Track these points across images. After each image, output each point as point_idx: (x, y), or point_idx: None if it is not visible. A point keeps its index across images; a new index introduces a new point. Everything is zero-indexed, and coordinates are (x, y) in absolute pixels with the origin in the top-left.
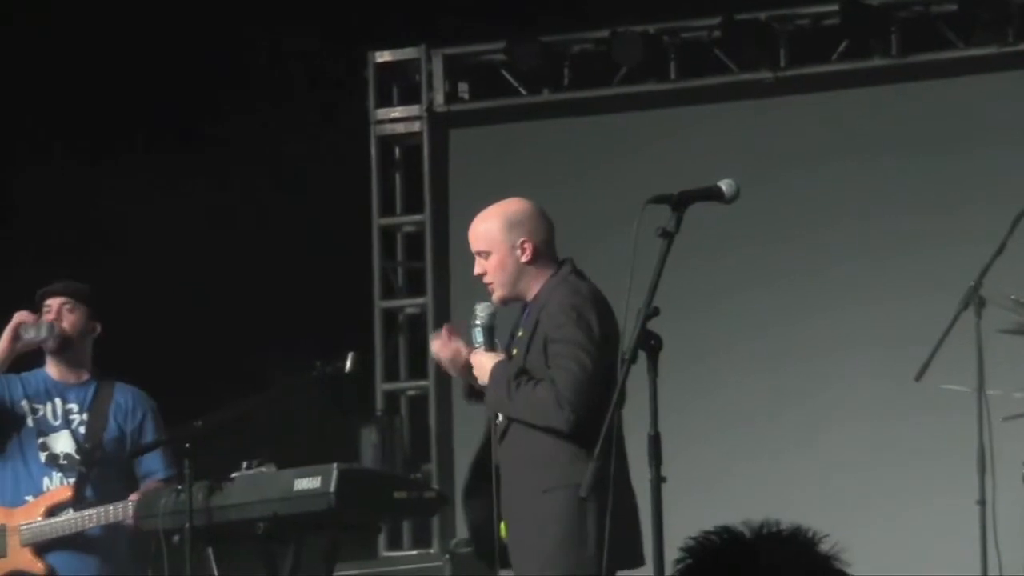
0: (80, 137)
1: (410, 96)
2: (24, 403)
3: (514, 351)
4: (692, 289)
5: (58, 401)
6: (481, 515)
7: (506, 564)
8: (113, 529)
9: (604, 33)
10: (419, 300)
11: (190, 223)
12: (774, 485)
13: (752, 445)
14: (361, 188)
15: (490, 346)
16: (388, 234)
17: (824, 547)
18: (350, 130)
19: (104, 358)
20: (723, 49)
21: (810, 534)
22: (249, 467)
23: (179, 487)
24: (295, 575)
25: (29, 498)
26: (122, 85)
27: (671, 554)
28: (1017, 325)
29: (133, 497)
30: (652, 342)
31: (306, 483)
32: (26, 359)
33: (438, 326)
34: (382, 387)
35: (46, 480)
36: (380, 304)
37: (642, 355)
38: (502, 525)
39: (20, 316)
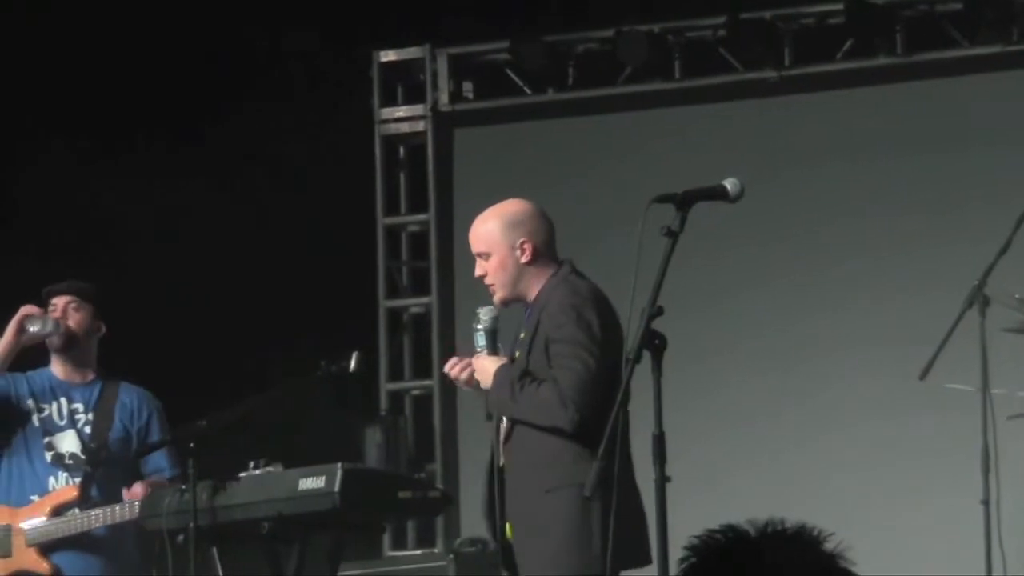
0: (80, 136)
1: (414, 95)
2: (30, 401)
3: (516, 353)
4: (693, 289)
5: (63, 401)
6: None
7: (512, 566)
8: (119, 529)
9: (608, 32)
10: (424, 299)
11: (193, 223)
12: (777, 484)
13: (755, 444)
14: (363, 187)
15: (492, 350)
16: (392, 233)
17: (829, 545)
18: (352, 129)
19: (105, 358)
20: (728, 48)
21: (815, 532)
22: (257, 467)
23: (183, 487)
24: (299, 575)
25: (34, 498)
26: (123, 84)
27: (675, 553)
28: (1021, 324)
29: (138, 488)
30: (656, 341)
31: (310, 483)
32: (31, 359)
33: (442, 325)
34: (386, 387)
35: (52, 480)
36: (384, 304)
37: (646, 354)
38: (507, 527)
39: (26, 309)
